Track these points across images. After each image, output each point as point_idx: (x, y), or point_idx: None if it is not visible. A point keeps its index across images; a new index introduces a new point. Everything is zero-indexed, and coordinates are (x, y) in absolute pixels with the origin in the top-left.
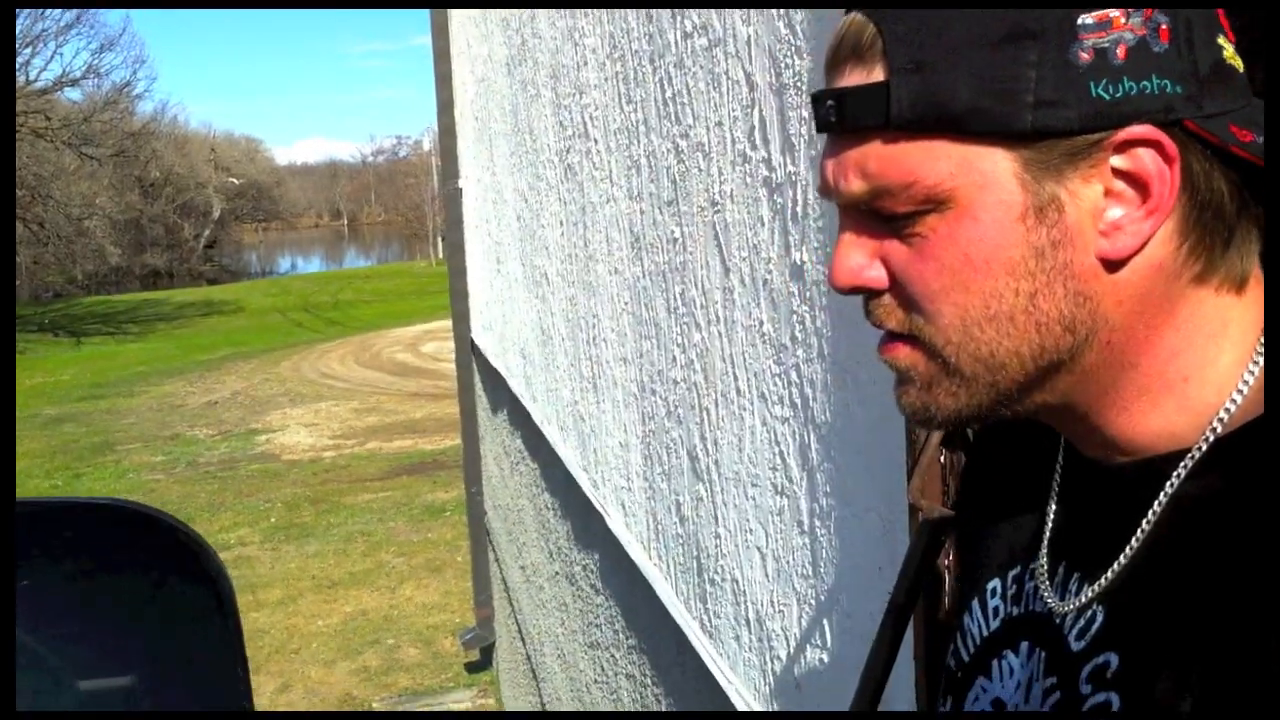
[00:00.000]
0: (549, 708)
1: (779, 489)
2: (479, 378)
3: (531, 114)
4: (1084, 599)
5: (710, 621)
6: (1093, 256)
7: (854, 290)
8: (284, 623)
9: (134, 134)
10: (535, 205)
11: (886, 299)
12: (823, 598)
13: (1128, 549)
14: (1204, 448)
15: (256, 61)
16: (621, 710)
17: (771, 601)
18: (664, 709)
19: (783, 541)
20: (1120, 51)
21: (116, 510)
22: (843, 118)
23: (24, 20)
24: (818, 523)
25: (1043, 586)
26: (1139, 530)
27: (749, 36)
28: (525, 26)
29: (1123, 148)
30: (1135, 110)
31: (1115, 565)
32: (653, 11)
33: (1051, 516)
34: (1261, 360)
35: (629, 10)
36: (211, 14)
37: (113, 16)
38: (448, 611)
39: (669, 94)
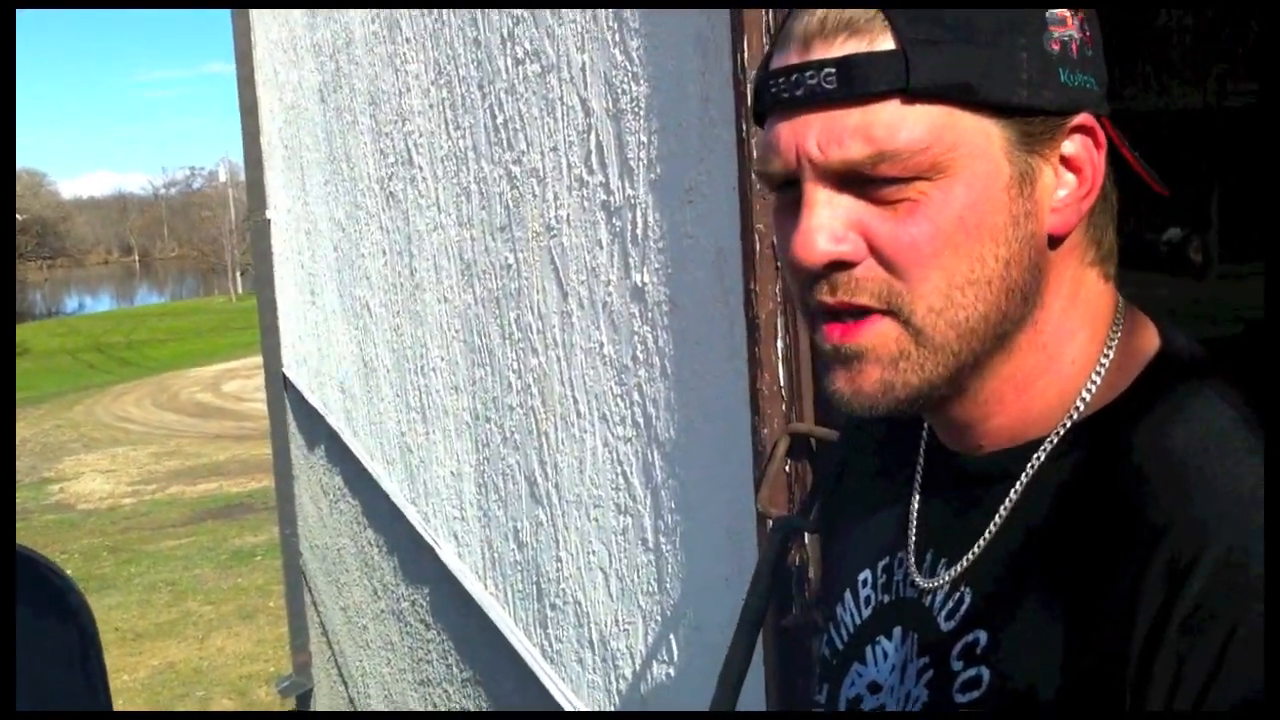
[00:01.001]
0: None
1: (622, 508)
2: (292, 414)
3: (349, 141)
4: (949, 579)
5: (551, 646)
6: (1045, 231)
7: (831, 264)
8: None
9: None
10: (354, 235)
11: (860, 271)
12: (669, 613)
13: (989, 530)
14: (1062, 432)
15: (38, 91)
16: None
17: (616, 621)
18: None
19: (627, 560)
20: (1073, 47)
21: None
22: (849, 82)
23: None
24: (663, 539)
25: (912, 572)
26: (999, 512)
27: (584, 63)
28: (340, 53)
29: (1072, 133)
30: (1083, 101)
31: (977, 546)
32: (480, 37)
33: (916, 508)
34: (1113, 350)
35: (455, 37)
36: None
37: None
38: (262, 660)
39: (500, 120)
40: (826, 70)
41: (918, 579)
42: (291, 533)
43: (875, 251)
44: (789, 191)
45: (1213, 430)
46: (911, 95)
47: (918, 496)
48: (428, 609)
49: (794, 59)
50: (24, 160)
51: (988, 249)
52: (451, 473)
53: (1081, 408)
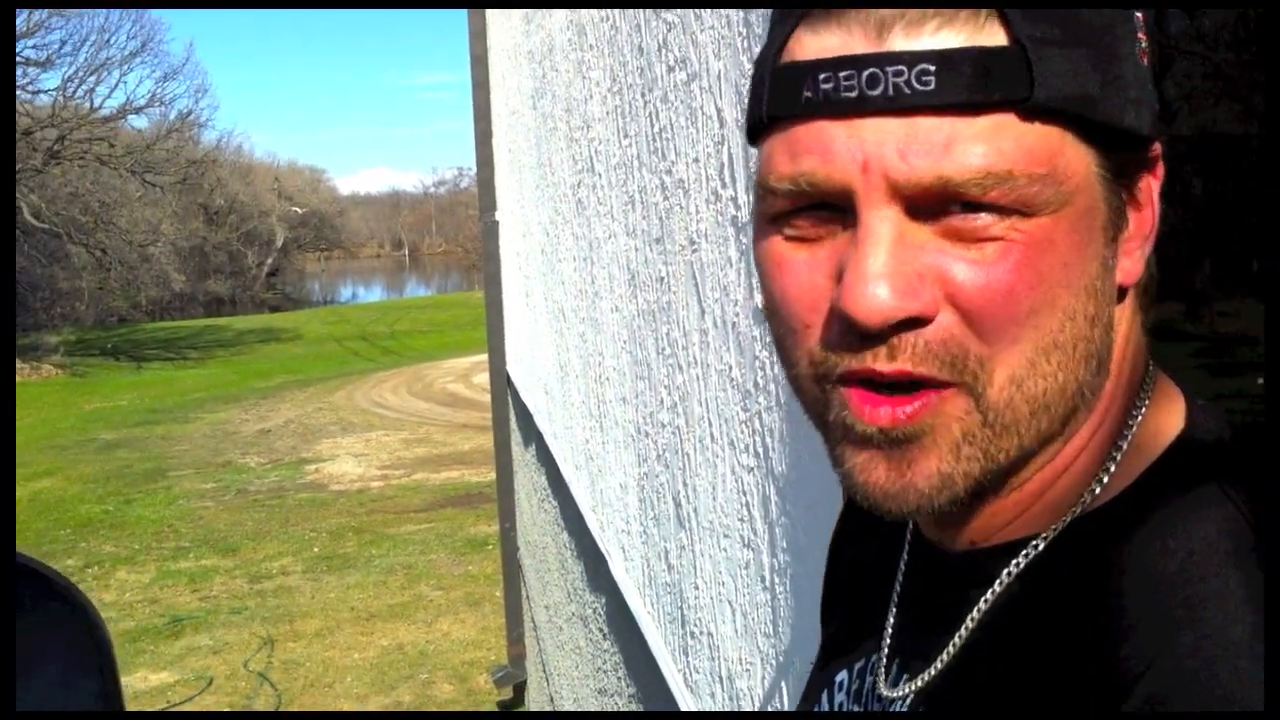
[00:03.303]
0: None
1: (745, 542)
2: (513, 411)
3: (550, 147)
4: (909, 692)
5: (691, 676)
6: (1116, 282)
7: (904, 321)
8: (320, 655)
9: (197, 162)
10: (554, 239)
11: (932, 331)
12: (781, 659)
13: (952, 645)
14: (1056, 530)
15: (319, 92)
16: None
17: (740, 659)
18: None
19: (749, 596)
20: (1148, 60)
21: None
22: (954, 86)
23: (89, 49)
24: (777, 579)
25: (880, 682)
26: (965, 625)
27: (720, 71)
28: (545, 60)
29: (1154, 162)
30: (1158, 126)
31: (939, 661)
32: (643, 44)
33: (895, 605)
34: (1134, 429)
35: (625, 43)
36: (276, 48)
37: (176, 46)
38: (484, 648)
39: (657, 129)
40: (921, 66)
41: (883, 689)
42: (510, 527)
43: (955, 303)
44: (807, 216)
45: (1214, 551)
46: (1030, 110)
47: (898, 592)
48: (604, 619)
49: (859, 47)
50: (305, 158)
51: (1079, 304)
52: (620, 484)
53: (1088, 500)
